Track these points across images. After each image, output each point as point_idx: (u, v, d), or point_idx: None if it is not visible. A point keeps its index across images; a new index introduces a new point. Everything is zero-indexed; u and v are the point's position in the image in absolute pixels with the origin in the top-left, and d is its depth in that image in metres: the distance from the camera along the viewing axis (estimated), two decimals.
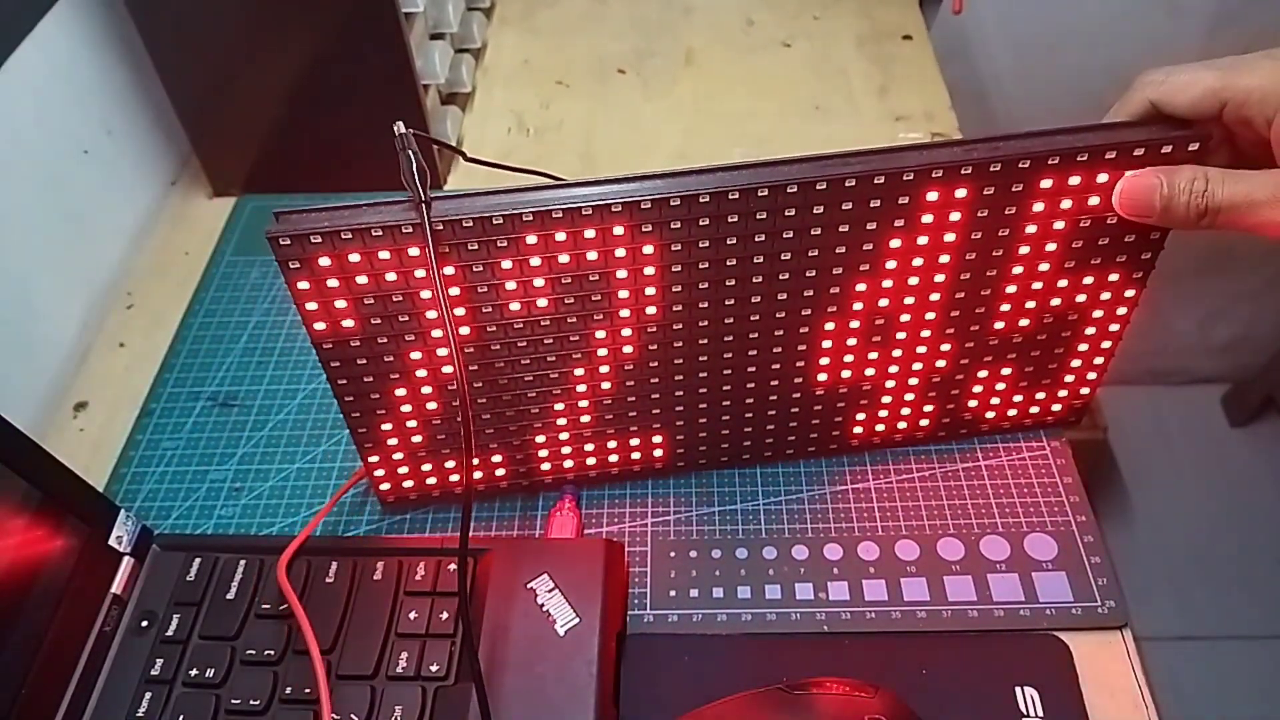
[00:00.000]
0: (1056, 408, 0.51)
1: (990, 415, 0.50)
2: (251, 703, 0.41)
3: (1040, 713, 0.42)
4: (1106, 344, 0.47)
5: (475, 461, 0.48)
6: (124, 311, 0.63)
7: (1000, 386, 0.49)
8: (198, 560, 0.46)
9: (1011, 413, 0.50)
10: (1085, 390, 0.50)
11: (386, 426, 0.45)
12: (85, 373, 0.60)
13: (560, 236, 0.39)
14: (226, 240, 0.66)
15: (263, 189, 0.69)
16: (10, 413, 0.39)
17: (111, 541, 0.44)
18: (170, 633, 0.43)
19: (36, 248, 0.59)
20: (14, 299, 0.57)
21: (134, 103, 0.67)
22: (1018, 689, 0.42)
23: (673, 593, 0.47)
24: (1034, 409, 0.50)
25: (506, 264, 0.39)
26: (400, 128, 0.37)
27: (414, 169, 0.37)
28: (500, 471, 0.49)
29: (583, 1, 0.84)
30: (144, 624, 0.44)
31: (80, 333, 0.62)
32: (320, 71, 0.62)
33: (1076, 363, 0.48)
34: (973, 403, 0.49)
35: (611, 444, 0.48)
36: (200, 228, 0.67)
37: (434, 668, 0.42)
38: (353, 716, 0.40)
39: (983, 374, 0.48)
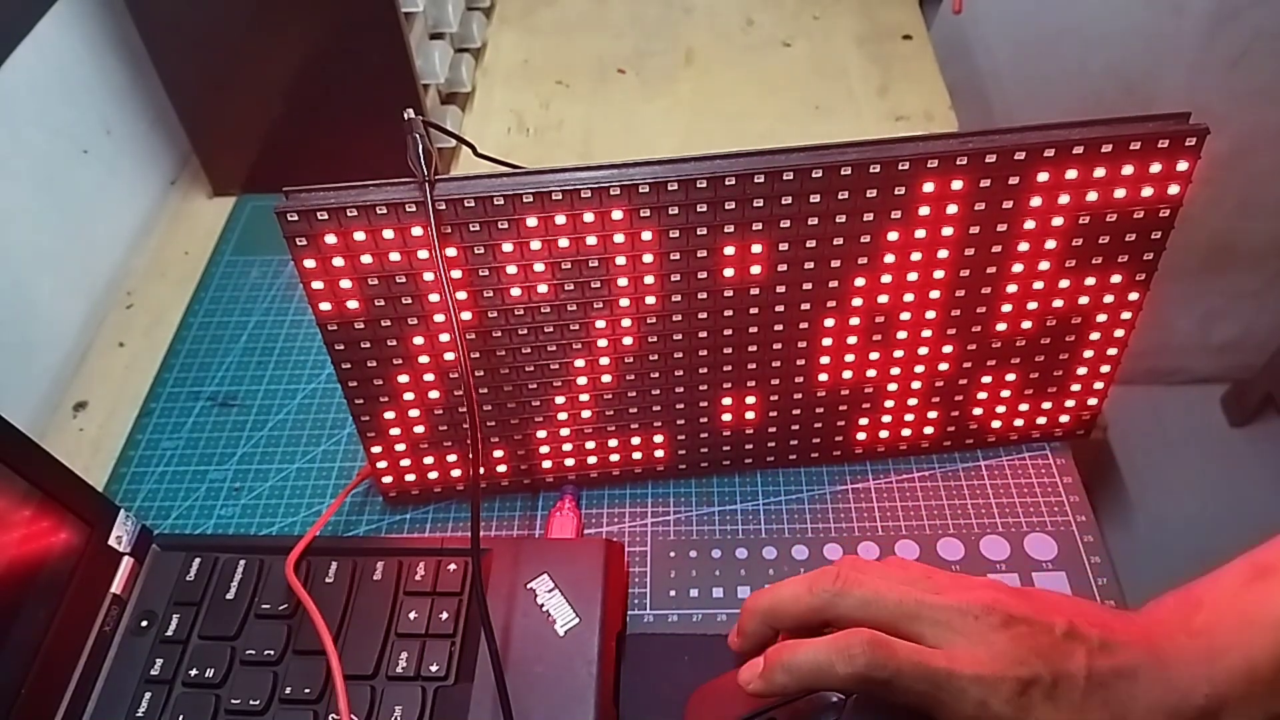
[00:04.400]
0: (1064, 419, 0.50)
1: (996, 425, 0.50)
2: (251, 703, 0.41)
3: None
4: (1112, 350, 0.47)
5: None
6: (124, 311, 0.63)
7: (1005, 394, 0.48)
8: (198, 560, 0.46)
9: (1018, 423, 0.50)
10: (1093, 401, 0.49)
11: (389, 415, 0.45)
12: (85, 373, 0.60)
13: (560, 220, 0.39)
14: (226, 240, 0.66)
15: (263, 189, 0.69)
16: (10, 413, 0.39)
17: (111, 541, 0.44)
18: (170, 633, 0.43)
19: (36, 248, 0.59)
20: (14, 299, 0.57)
21: (134, 103, 0.67)
22: None
23: (673, 593, 0.47)
24: (1040, 419, 0.50)
25: (508, 246, 0.40)
26: (410, 113, 0.38)
27: (419, 150, 0.38)
28: (501, 469, 0.49)
29: (583, 1, 0.84)
30: (144, 624, 0.44)
31: (80, 333, 0.62)
32: (320, 71, 0.62)
33: (1082, 370, 0.47)
34: (978, 410, 0.49)
35: (613, 443, 0.48)
36: (200, 228, 0.68)
37: (434, 668, 0.42)
38: (353, 717, 0.40)
39: (986, 379, 0.47)
